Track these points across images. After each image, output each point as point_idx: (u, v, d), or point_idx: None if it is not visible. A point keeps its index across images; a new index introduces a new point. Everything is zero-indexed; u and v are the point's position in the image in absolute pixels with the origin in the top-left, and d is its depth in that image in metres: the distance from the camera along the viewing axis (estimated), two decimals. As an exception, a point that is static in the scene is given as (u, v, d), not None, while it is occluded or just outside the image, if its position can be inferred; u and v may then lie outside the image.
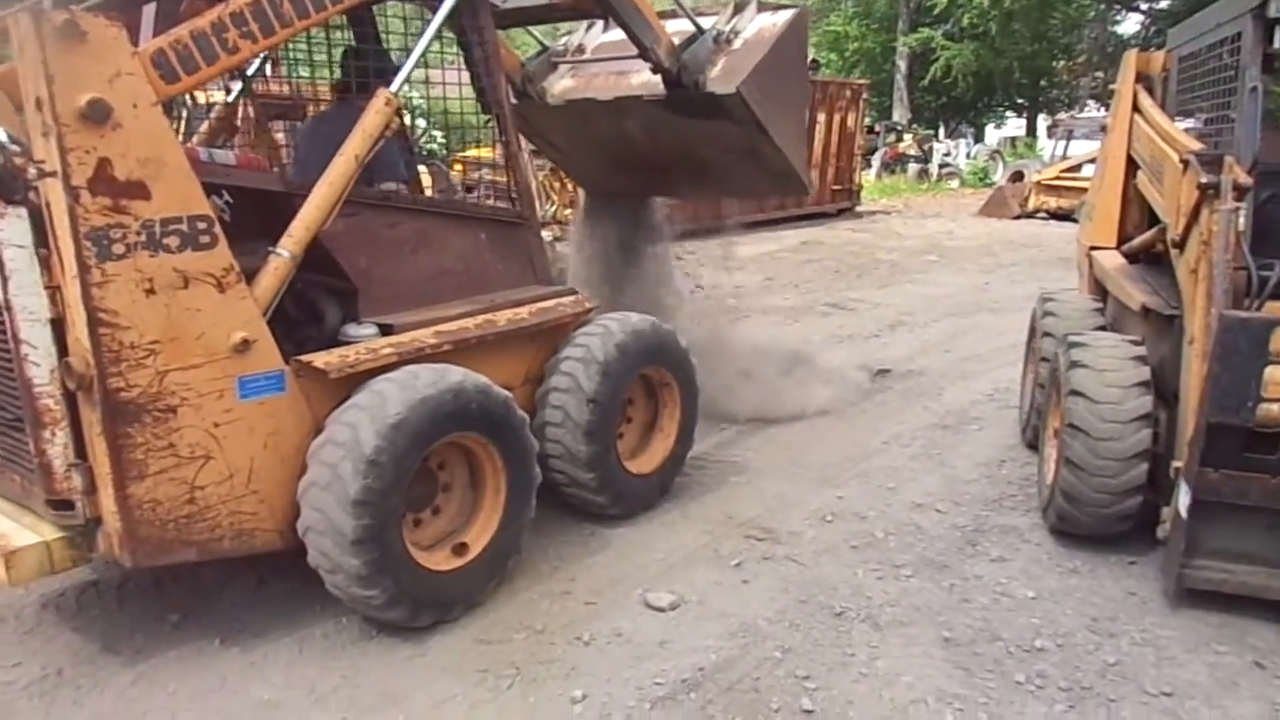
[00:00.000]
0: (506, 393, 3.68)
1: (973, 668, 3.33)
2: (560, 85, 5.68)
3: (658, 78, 5.00)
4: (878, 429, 5.92)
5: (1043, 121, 33.46)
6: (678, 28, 5.09)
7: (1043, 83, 34.12)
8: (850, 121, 18.57)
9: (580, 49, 5.78)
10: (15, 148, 2.89)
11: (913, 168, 26.03)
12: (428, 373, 3.44)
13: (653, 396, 4.72)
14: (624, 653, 3.41)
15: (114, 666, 3.32)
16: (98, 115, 2.78)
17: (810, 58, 20.76)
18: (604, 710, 3.08)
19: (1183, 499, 3.52)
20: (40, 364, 2.99)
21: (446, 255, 4.05)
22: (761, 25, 5.12)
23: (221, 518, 3.20)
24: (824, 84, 18.23)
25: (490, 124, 4.42)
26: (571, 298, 4.39)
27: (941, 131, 34.22)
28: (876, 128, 27.77)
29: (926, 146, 27.34)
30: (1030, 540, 4.33)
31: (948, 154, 27.73)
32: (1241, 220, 3.56)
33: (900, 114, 30.39)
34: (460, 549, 3.63)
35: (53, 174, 2.78)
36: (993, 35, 28.03)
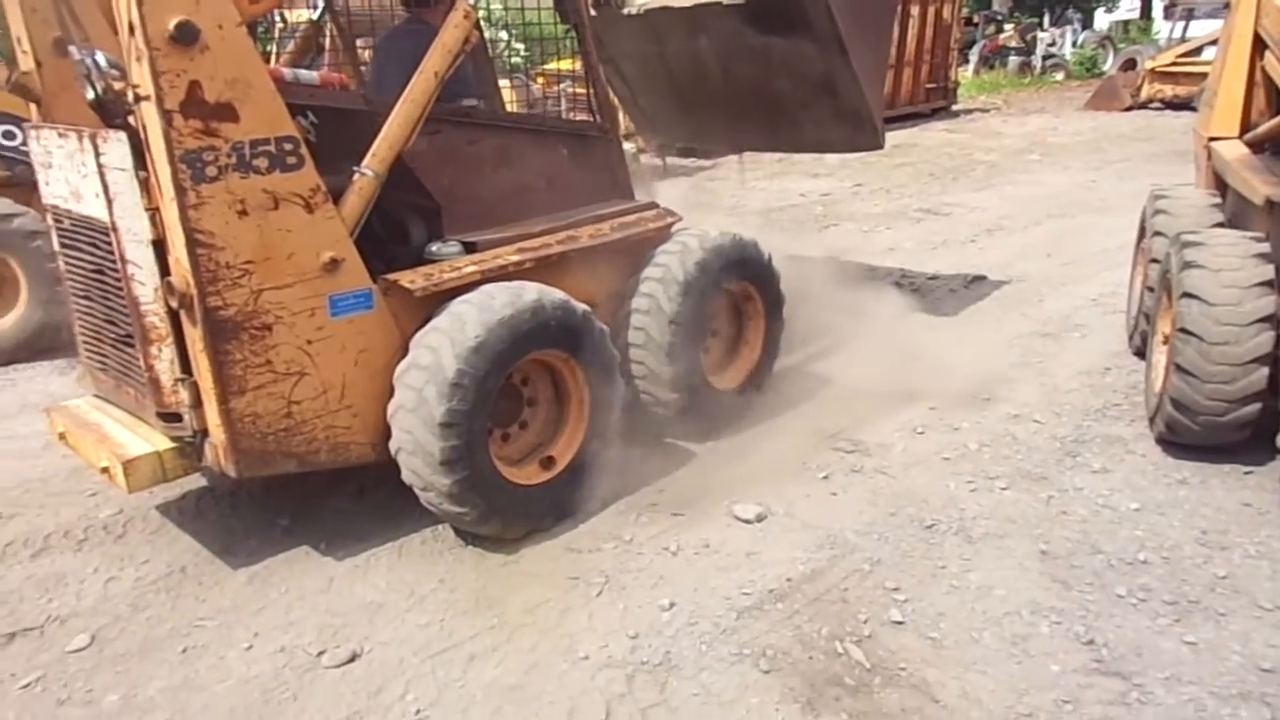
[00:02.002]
0: (585, 306, 3.67)
1: (1070, 581, 3.26)
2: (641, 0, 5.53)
3: None
4: (972, 338, 5.73)
5: (1159, 1, 31.00)
6: None
7: (1161, -41, 31.51)
8: (946, 13, 17.56)
9: None
10: (115, 72, 2.96)
11: (1014, 61, 24.49)
12: (504, 293, 3.45)
13: (737, 310, 4.65)
14: (711, 563, 3.44)
15: (231, 566, 3.52)
16: (186, 37, 2.80)
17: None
18: (692, 618, 3.13)
19: (1306, 406, 3.31)
20: (145, 283, 3.12)
21: (528, 171, 4.02)
22: None
23: (317, 431, 3.32)
24: (918, -27, 17.21)
25: (570, 35, 4.32)
26: (653, 211, 4.32)
27: (1046, 19, 32.07)
28: (974, 19, 26.20)
29: (1029, 37, 25.61)
30: (1135, 451, 4.17)
31: (1052, 44, 25.97)
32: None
33: (1000, 2, 28.55)
34: (548, 462, 3.69)
35: (147, 97, 2.83)
36: (1107, -92, 25.88)
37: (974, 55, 24.53)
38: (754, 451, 4.29)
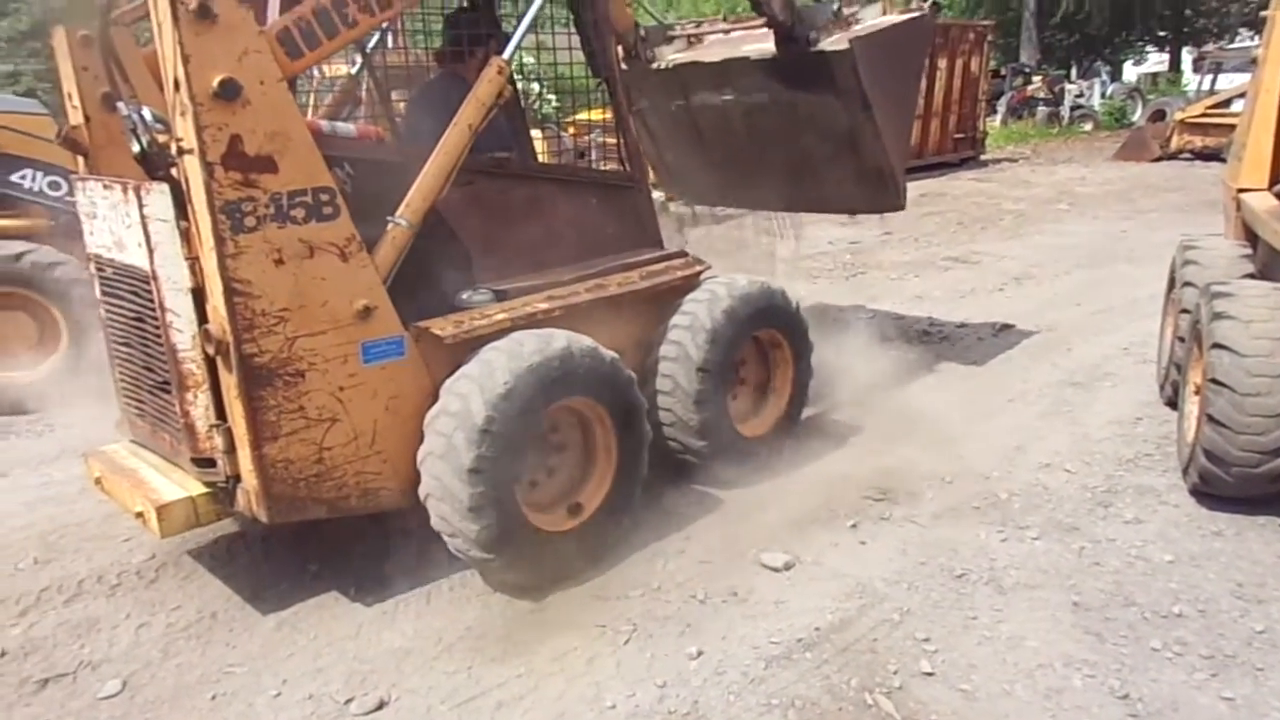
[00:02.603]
0: (613, 354, 3.71)
1: (1104, 633, 3.21)
2: (671, 55, 5.71)
3: (768, 46, 4.97)
4: (1002, 387, 5.71)
5: (1188, 55, 31.05)
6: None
7: (1188, 12, 31.60)
8: (973, 66, 17.75)
9: (699, 39, 5.80)
10: (159, 126, 3.06)
11: (1042, 111, 24.62)
12: (533, 340, 3.49)
13: (765, 358, 4.68)
14: (739, 612, 3.43)
15: (260, 612, 3.55)
16: (229, 93, 2.88)
17: (931, 1, 19.89)
18: (720, 667, 3.11)
19: (1341, 458, 3.27)
20: (183, 330, 3.19)
21: (559, 220, 4.08)
22: (884, 17, 5.06)
23: (348, 477, 3.35)
24: (945, 27, 17.42)
25: (601, 87, 4.43)
26: (682, 260, 4.38)
27: (1074, 71, 32.23)
28: (1002, 71, 26.39)
29: (1057, 88, 25.78)
30: (1169, 502, 4.11)
31: (1080, 95, 26.11)
32: None
33: (1028, 55, 28.76)
34: (575, 509, 3.71)
35: (190, 151, 2.91)
36: (1132, -37, 26.12)
37: (1002, 106, 24.67)
38: (781, 499, 4.28)
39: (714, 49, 5.54)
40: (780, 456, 4.60)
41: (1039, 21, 29.17)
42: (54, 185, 6.44)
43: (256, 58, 2.95)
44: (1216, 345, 3.78)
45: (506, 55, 3.66)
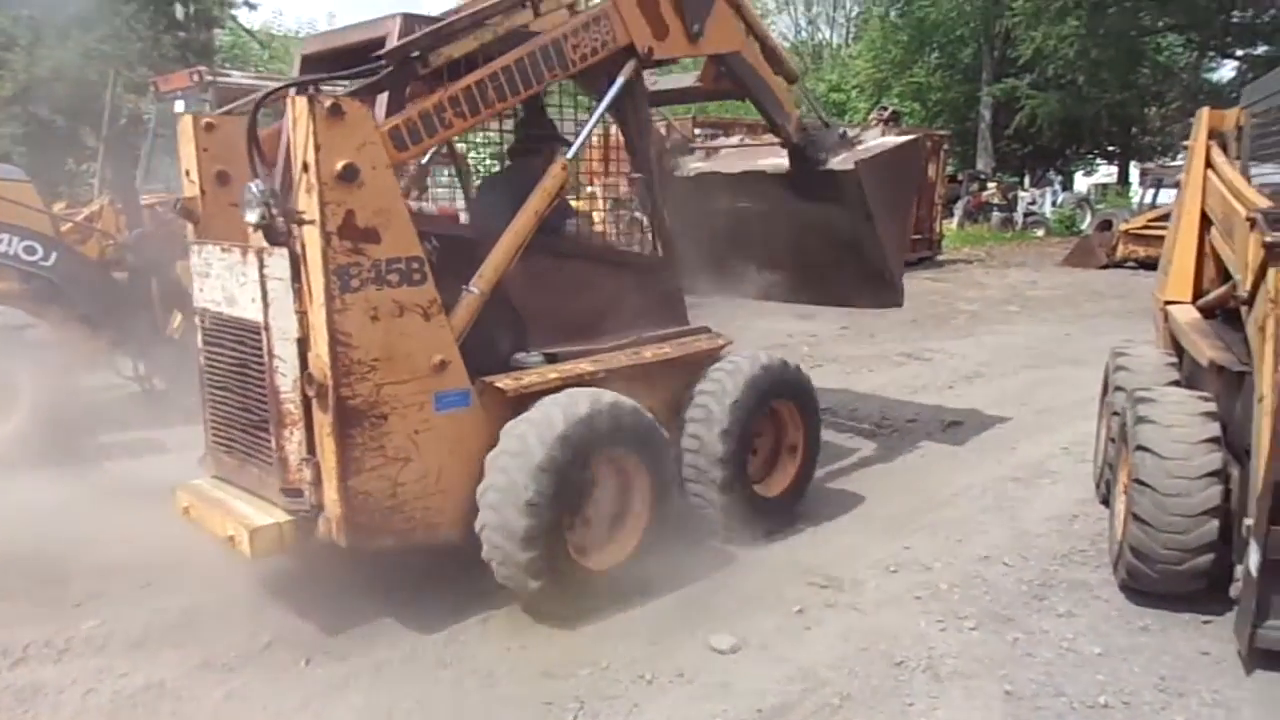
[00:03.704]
0: (651, 416, 4.16)
1: (1033, 722, 3.33)
2: (694, 165, 6.37)
3: (782, 161, 5.60)
4: (948, 480, 5.91)
5: (1135, 168, 32.66)
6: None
7: (1134, 129, 33.35)
8: (931, 171, 18.53)
9: (715, 150, 6.55)
10: (272, 200, 3.43)
11: (996, 216, 25.69)
12: (586, 395, 3.97)
13: (779, 427, 5.10)
14: (685, 692, 3.51)
15: (210, 682, 3.56)
16: (349, 175, 3.36)
17: (891, 109, 20.83)
18: (664, 746, 3.18)
19: (1253, 558, 3.46)
20: (287, 375, 3.61)
21: (602, 294, 4.58)
22: (883, 139, 5.70)
23: (416, 511, 3.74)
24: (904, 134, 18.23)
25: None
26: (707, 335, 4.89)
27: (1027, 179, 33.68)
28: (959, 176, 27.55)
29: (1011, 195, 26.95)
30: (1100, 596, 4.28)
31: (1033, 203, 27.31)
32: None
33: (984, 163, 30.07)
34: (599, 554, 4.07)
35: (312, 222, 3.37)
36: (1079, 85, 27.64)
37: (958, 209, 25.68)
38: (730, 582, 4.39)
39: (730, 160, 6.22)
40: (732, 540, 4.72)
41: (994, 132, 30.58)
42: (29, 250, 6.54)
43: (372, 148, 3.45)
44: (1140, 447, 4.01)
45: (570, 155, 4.21)
